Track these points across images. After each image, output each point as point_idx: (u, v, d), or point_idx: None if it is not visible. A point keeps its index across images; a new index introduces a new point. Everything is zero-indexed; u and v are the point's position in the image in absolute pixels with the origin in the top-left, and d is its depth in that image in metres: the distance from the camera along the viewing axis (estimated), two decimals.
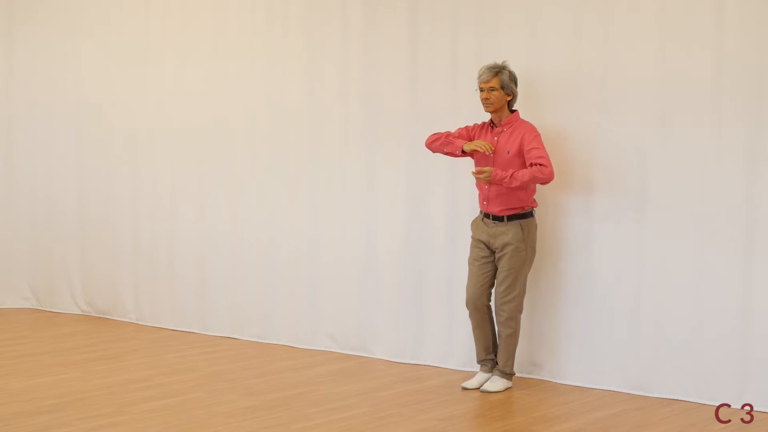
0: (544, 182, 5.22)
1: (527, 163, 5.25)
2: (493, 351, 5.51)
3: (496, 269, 5.43)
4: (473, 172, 5.31)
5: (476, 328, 5.49)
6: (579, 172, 5.50)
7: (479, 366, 5.55)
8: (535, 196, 5.45)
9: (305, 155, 6.56)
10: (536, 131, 5.31)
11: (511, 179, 5.19)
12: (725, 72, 5.04)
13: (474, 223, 5.52)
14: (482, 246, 5.43)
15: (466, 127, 5.54)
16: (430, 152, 5.63)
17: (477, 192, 5.63)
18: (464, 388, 5.41)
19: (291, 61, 6.62)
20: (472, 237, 5.51)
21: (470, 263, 5.50)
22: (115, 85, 7.56)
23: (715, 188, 5.10)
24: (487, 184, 5.32)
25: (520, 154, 5.28)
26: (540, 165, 5.17)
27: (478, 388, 5.41)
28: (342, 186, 6.40)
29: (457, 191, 5.90)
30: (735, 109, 5.02)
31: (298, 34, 6.57)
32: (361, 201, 6.32)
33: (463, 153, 5.39)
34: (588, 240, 5.49)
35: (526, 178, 5.17)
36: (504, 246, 5.34)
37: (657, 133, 5.26)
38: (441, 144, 5.47)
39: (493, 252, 5.41)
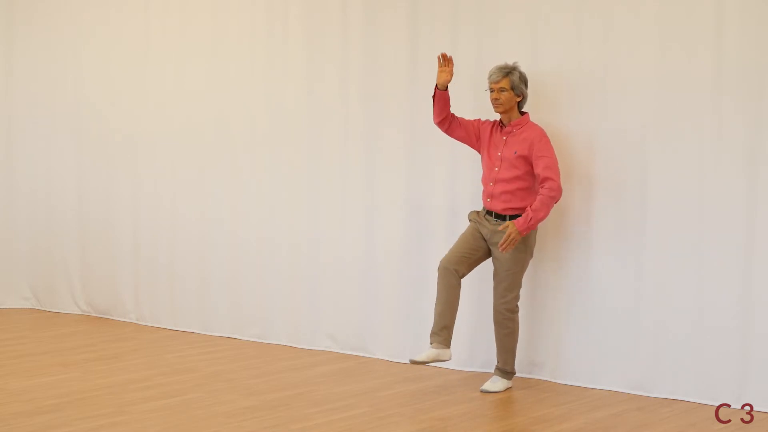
0: (556, 199, 5.22)
1: (535, 171, 5.26)
2: (450, 323, 5.26)
3: (483, 256, 5.41)
4: (501, 246, 5.17)
5: (442, 290, 5.28)
6: (579, 172, 5.50)
7: (430, 340, 5.28)
8: None
9: (305, 155, 6.56)
10: (546, 137, 5.30)
11: (535, 217, 5.15)
12: (725, 72, 5.04)
13: (475, 214, 5.47)
14: (479, 235, 5.42)
15: (478, 120, 5.53)
16: (442, 132, 5.58)
17: (478, 192, 5.64)
18: (413, 361, 5.20)
19: (291, 61, 6.62)
20: (471, 224, 5.46)
21: (461, 236, 5.45)
22: (115, 86, 7.56)
23: (715, 188, 5.10)
24: (516, 235, 5.16)
25: (528, 157, 5.28)
26: (548, 181, 5.16)
27: (426, 362, 5.19)
28: (342, 186, 6.40)
29: (457, 191, 5.91)
30: (735, 109, 5.02)
31: (298, 34, 6.57)
32: (361, 201, 6.32)
33: (438, 90, 5.40)
34: (588, 240, 5.49)
35: (543, 205, 5.16)
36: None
37: (657, 133, 5.26)
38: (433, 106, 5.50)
39: (486, 243, 5.40)
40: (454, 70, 5.46)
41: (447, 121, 5.51)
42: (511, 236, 5.15)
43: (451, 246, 5.68)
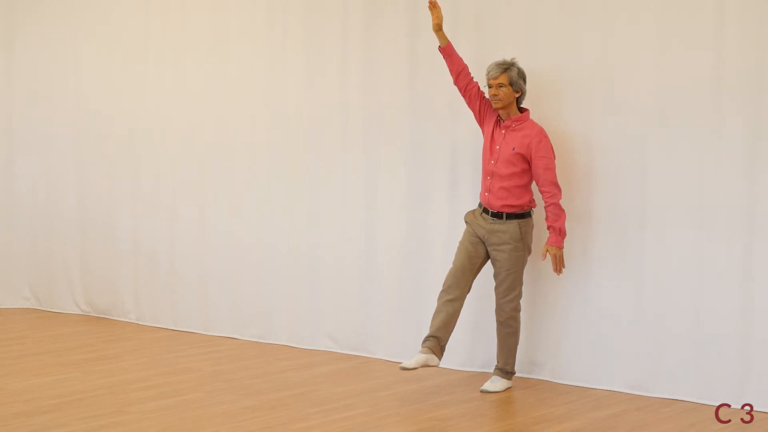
0: (559, 198, 5.27)
1: (533, 172, 5.28)
2: (444, 335, 5.24)
3: (484, 260, 5.41)
4: (556, 270, 5.28)
5: (443, 307, 5.26)
6: (579, 172, 5.50)
7: (421, 346, 5.24)
8: (534, 197, 5.46)
9: (305, 155, 6.56)
10: (546, 136, 5.30)
11: (561, 227, 5.23)
12: (725, 72, 5.04)
13: (471, 215, 5.47)
14: (476, 240, 5.42)
15: (488, 101, 5.50)
16: (460, 92, 5.54)
17: (477, 192, 5.64)
18: (403, 368, 5.15)
19: (291, 61, 6.62)
20: (468, 227, 5.46)
21: (460, 246, 5.44)
22: (116, 85, 7.56)
23: (715, 188, 5.10)
24: (561, 253, 5.26)
25: (525, 156, 5.28)
26: (547, 186, 5.22)
27: (415, 368, 5.14)
28: (342, 186, 6.40)
29: (457, 191, 5.91)
30: (735, 108, 5.03)
31: (298, 34, 6.57)
32: (361, 201, 6.32)
33: (439, 48, 5.49)
34: (588, 240, 5.49)
35: (560, 211, 5.24)
36: (501, 244, 5.33)
37: (657, 133, 5.26)
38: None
39: (484, 246, 5.40)
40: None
41: (464, 85, 5.47)
42: (557, 256, 5.24)
43: (450, 248, 5.71)
